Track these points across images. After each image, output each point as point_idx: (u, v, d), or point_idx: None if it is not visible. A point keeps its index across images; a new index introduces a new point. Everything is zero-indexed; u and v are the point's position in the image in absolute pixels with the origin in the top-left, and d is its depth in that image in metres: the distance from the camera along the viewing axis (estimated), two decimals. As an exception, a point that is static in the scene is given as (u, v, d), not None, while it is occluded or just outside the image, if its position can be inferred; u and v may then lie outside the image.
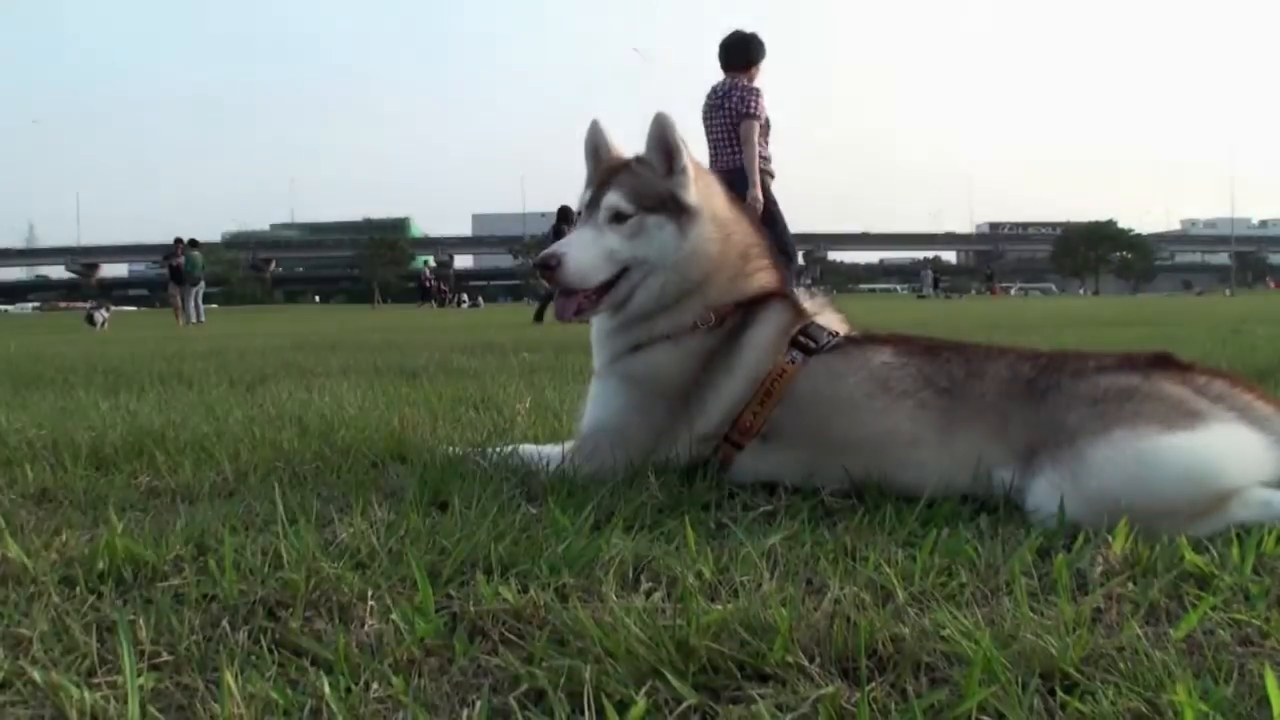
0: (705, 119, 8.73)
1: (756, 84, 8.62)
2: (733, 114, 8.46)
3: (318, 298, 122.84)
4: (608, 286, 2.82)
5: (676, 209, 2.83)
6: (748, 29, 8.88)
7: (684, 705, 1.40)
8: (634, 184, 2.83)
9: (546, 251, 2.79)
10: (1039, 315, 20.90)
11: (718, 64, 8.72)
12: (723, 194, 2.99)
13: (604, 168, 2.92)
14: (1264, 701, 1.35)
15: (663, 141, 2.85)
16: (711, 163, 8.68)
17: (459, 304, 48.99)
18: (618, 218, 2.80)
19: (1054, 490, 2.24)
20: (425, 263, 65.93)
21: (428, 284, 54.86)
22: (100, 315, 26.27)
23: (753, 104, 8.45)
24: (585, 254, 2.77)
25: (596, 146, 3.00)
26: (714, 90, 8.68)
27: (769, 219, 8.42)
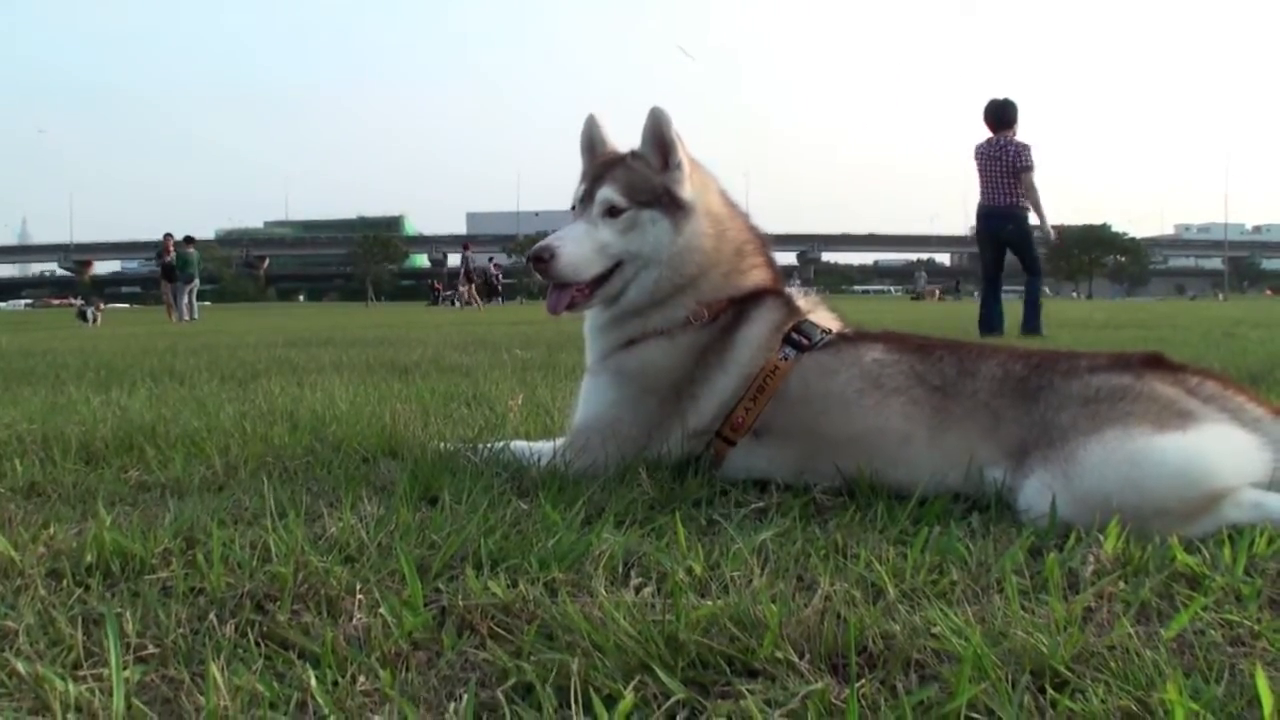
0: (981, 165, 11.72)
1: (1019, 138, 11.70)
2: (1012, 165, 11.48)
3: (302, 296, 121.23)
4: (600, 281, 2.81)
5: (671, 204, 2.82)
6: (1000, 96, 11.93)
7: (672, 700, 1.39)
8: (629, 178, 2.81)
9: (540, 244, 2.77)
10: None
11: (983, 123, 11.85)
12: (718, 190, 2.98)
13: (599, 162, 2.91)
14: (1254, 701, 1.35)
15: (658, 136, 2.83)
16: (986, 198, 11.73)
17: (452, 303, 48.47)
18: (612, 212, 2.79)
19: (1046, 489, 2.23)
20: (490, 259, 64.97)
21: (492, 279, 53.74)
22: (91, 312, 26.88)
23: (1029, 159, 11.52)
24: (579, 248, 2.76)
25: (592, 141, 2.99)
26: (989, 143, 11.73)
27: (1029, 246, 11.78)
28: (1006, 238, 11.78)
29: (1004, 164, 11.58)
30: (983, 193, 11.80)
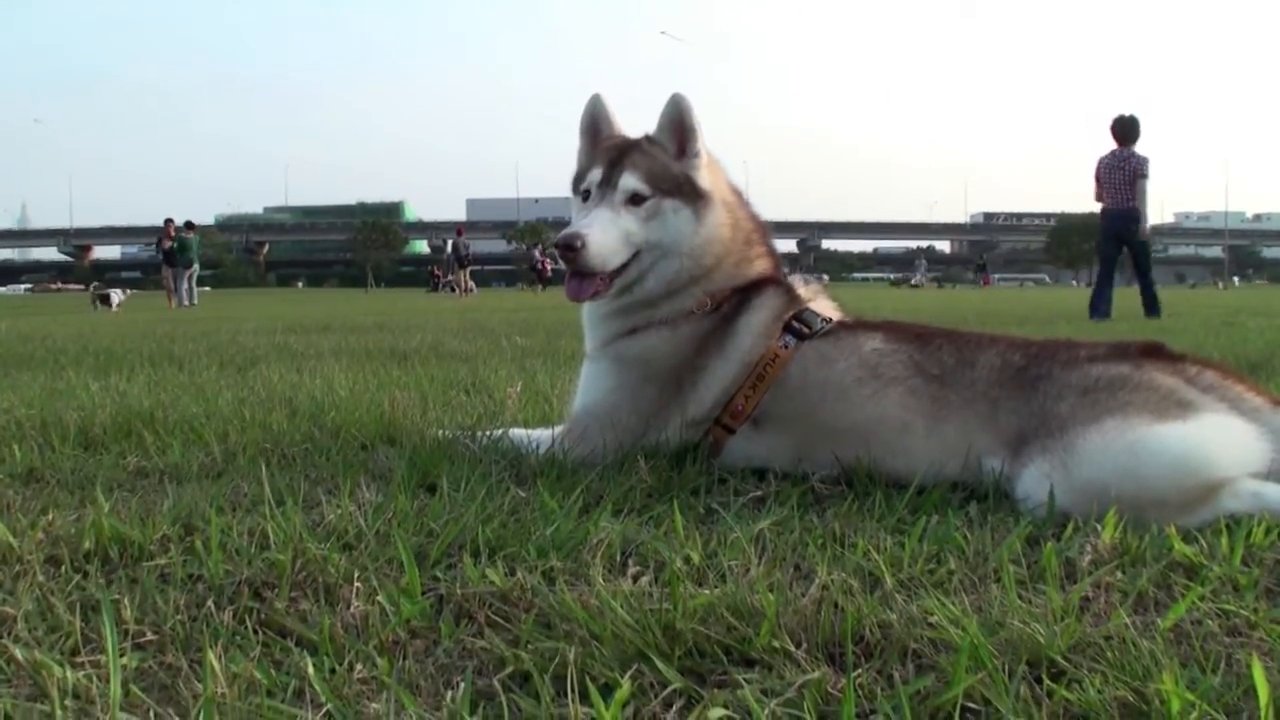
0: (1106, 172, 13.63)
1: (1141, 151, 13.64)
2: (1132, 174, 13.42)
3: (300, 283, 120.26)
4: (619, 269, 2.75)
5: (692, 193, 2.78)
6: (1127, 112, 13.89)
7: (669, 689, 1.39)
8: (649, 166, 2.76)
9: (569, 232, 2.68)
10: (1031, 306, 20.90)
11: (1110, 135, 13.82)
12: (725, 177, 2.95)
13: (613, 146, 2.84)
14: (1251, 691, 1.35)
15: (678, 123, 2.79)
16: (1112, 203, 13.59)
17: (452, 289, 47.86)
18: (634, 200, 2.73)
19: (1044, 479, 2.23)
20: (539, 245, 63.44)
21: (540, 266, 53.05)
22: (117, 296, 27.09)
23: (1147, 168, 13.45)
24: (607, 236, 2.69)
25: (596, 122, 2.93)
26: (1114, 154, 13.66)
27: (1145, 249, 13.85)
28: (1127, 237, 13.69)
29: (1126, 173, 13.51)
30: (1108, 198, 13.67)
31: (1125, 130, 13.73)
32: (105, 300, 26.32)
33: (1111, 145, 13.81)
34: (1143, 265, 13.91)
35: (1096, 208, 13.97)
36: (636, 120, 2.89)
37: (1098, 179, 13.82)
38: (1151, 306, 13.61)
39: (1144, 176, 13.45)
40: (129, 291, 31.49)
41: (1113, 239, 13.89)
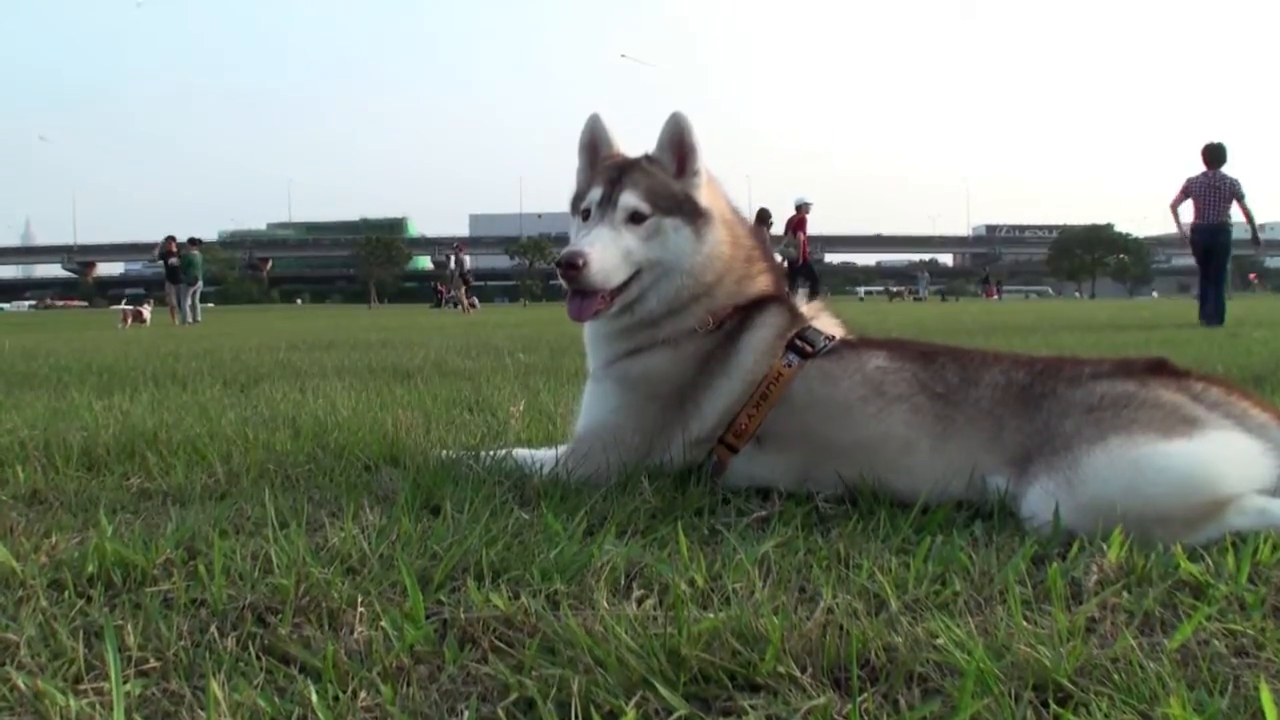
0: (1201, 190, 15.33)
1: (1230, 173, 15.44)
2: (1228, 193, 15.19)
3: (299, 300, 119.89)
4: (620, 288, 2.75)
5: (692, 212, 2.78)
6: (1215, 139, 15.99)
7: (674, 716, 1.38)
8: (649, 184, 2.76)
9: (570, 250, 2.67)
10: (1034, 317, 20.87)
11: (1200, 158, 15.61)
12: (724, 195, 2.95)
13: (613, 164, 2.84)
14: (1258, 714, 1.34)
15: (678, 142, 2.79)
16: (1203, 218, 15.36)
17: (455, 305, 47.18)
18: (635, 218, 2.73)
19: (1049, 497, 2.22)
20: None
21: None
22: (147, 310, 28.16)
23: (1241, 188, 15.26)
24: (607, 254, 2.68)
25: (595, 141, 2.93)
26: (1206, 175, 15.37)
27: (1227, 256, 15.63)
28: (1215, 247, 15.45)
29: (1221, 192, 15.27)
30: (1200, 214, 15.45)
31: (1215, 155, 15.45)
32: (139, 318, 26.55)
33: (1201, 167, 15.41)
34: (1221, 275, 15.56)
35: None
36: (637, 140, 2.89)
37: (1188, 193, 15.42)
38: (1217, 314, 14.97)
39: (1243, 195, 15.25)
40: (151, 302, 32.07)
41: (1204, 251, 15.48)
